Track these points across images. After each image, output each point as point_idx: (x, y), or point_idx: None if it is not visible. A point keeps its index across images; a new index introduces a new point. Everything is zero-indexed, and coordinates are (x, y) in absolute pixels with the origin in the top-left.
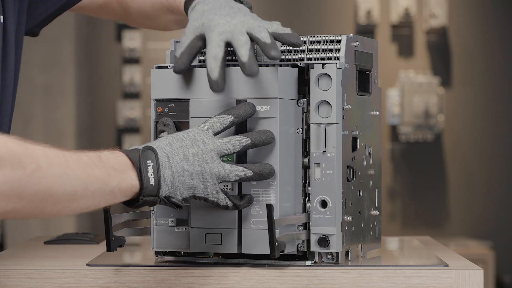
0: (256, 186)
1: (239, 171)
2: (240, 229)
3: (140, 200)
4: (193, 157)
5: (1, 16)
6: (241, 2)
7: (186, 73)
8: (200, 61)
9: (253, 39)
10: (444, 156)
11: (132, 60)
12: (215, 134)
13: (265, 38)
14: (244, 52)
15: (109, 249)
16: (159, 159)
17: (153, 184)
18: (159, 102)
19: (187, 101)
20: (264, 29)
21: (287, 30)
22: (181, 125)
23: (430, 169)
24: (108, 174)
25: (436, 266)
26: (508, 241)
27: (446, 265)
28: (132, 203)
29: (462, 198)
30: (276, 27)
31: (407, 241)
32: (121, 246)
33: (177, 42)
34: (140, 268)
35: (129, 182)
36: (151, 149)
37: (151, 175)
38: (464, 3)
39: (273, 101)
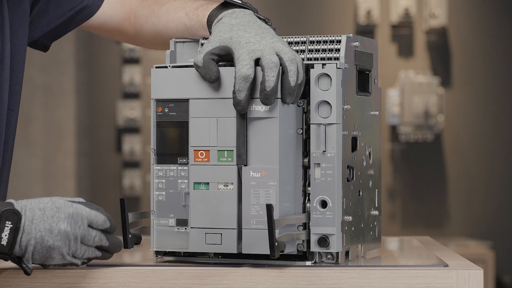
0: (256, 186)
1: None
2: (240, 229)
3: None
4: (58, 231)
5: None
6: (266, 23)
7: (186, 73)
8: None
9: (281, 64)
10: (444, 156)
11: (132, 60)
12: (89, 225)
13: (292, 76)
14: (271, 77)
15: (126, 246)
16: (22, 220)
17: (4, 245)
18: (159, 102)
19: (187, 101)
20: (295, 63)
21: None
22: (181, 125)
23: (430, 169)
24: None
25: (436, 266)
26: (508, 241)
27: (446, 265)
28: None
29: (462, 198)
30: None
31: (407, 241)
32: (137, 243)
33: (177, 42)
34: (140, 268)
35: None
36: (15, 212)
37: (5, 235)
38: (464, 3)
39: None
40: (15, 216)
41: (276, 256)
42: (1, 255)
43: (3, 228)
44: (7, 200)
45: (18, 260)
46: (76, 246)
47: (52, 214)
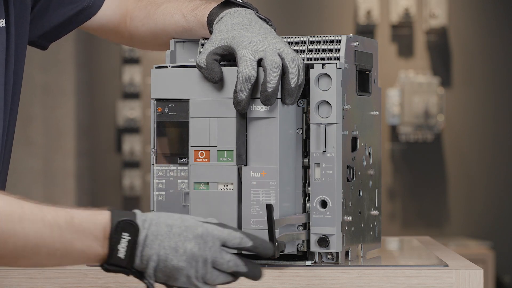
0: (256, 186)
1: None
2: (240, 229)
3: (103, 267)
4: (183, 250)
5: (3, 20)
6: (267, 23)
7: (186, 73)
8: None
9: (282, 64)
10: (444, 156)
11: (132, 60)
12: (222, 245)
13: (293, 78)
14: (273, 78)
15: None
16: (143, 233)
17: (122, 258)
18: (159, 102)
19: (187, 101)
20: (296, 64)
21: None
22: (181, 125)
23: (430, 169)
24: (71, 238)
25: (436, 266)
26: (508, 241)
27: (446, 265)
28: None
29: (462, 198)
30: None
31: (407, 241)
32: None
33: (177, 42)
34: None
35: (94, 249)
36: (131, 223)
37: (123, 248)
38: (464, 3)
39: None
40: (132, 228)
41: (276, 256)
42: (120, 269)
43: (119, 239)
44: (133, 210)
45: (140, 275)
46: (206, 269)
47: (180, 232)
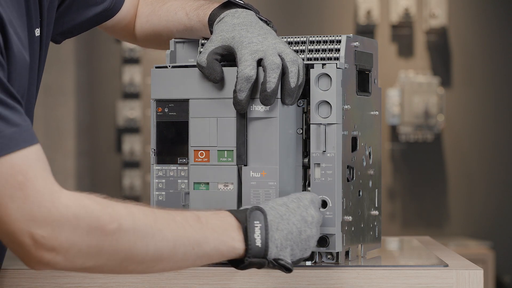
0: (256, 186)
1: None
2: None
3: (246, 261)
4: (311, 218)
5: (38, 29)
6: (268, 24)
7: (186, 73)
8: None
9: (282, 65)
10: (444, 156)
11: (132, 60)
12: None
13: (293, 78)
14: (273, 78)
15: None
16: (268, 219)
17: (260, 246)
18: (159, 102)
19: (187, 101)
20: (296, 65)
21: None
22: (181, 125)
23: (430, 169)
24: (204, 236)
25: (436, 266)
26: (508, 241)
27: (446, 265)
28: (238, 264)
29: (462, 198)
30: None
31: (407, 241)
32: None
33: (177, 42)
34: None
35: (229, 244)
36: (260, 209)
37: (258, 236)
38: (464, 3)
39: None
40: (261, 215)
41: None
42: (259, 260)
43: (253, 228)
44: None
45: (275, 261)
46: (319, 229)
47: (297, 205)
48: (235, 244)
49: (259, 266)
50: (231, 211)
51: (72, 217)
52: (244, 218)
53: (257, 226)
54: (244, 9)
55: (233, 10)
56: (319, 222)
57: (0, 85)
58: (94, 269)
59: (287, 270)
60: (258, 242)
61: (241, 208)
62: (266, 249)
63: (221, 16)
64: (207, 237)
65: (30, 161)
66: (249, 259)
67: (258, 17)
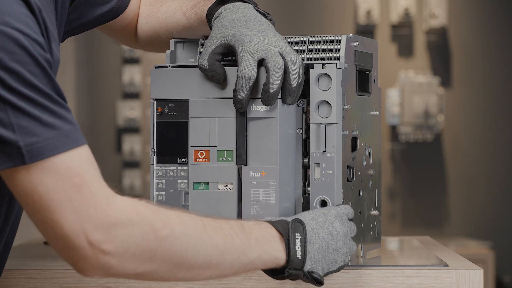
0: (256, 186)
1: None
2: None
3: (286, 273)
4: (336, 232)
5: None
6: (266, 17)
7: (185, 73)
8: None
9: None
10: (444, 156)
11: (132, 60)
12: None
13: (294, 77)
14: (276, 79)
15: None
16: (307, 233)
17: (299, 258)
18: (159, 102)
19: (187, 101)
20: (297, 64)
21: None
22: (181, 125)
23: (430, 169)
24: (249, 245)
25: (436, 266)
26: (508, 241)
27: (446, 265)
28: (276, 274)
29: (462, 198)
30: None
31: (407, 241)
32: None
33: (177, 42)
34: None
35: (272, 254)
36: (300, 222)
37: (298, 248)
38: (464, 3)
39: None
40: (301, 227)
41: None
42: (295, 271)
43: (295, 240)
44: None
45: (309, 274)
46: (349, 241)
47: (324, 219)
48: (277, 254)
49: (295, 277)
50: (270, 222)
51: (127, 222)
52: (286, 229)
53: (298, 238)
54: (242, 3)
55: (231, 5)
56: (346, 235)
57: (52, 85)
58: (145, 275)
59: (319, 283)
60: (299, 254)
61: (278, 219)
62: (304, 261)
63: (219, 11)
64: (252, 246)
65: (86, 162)
66: (289, 270)
67: (256, 10)
